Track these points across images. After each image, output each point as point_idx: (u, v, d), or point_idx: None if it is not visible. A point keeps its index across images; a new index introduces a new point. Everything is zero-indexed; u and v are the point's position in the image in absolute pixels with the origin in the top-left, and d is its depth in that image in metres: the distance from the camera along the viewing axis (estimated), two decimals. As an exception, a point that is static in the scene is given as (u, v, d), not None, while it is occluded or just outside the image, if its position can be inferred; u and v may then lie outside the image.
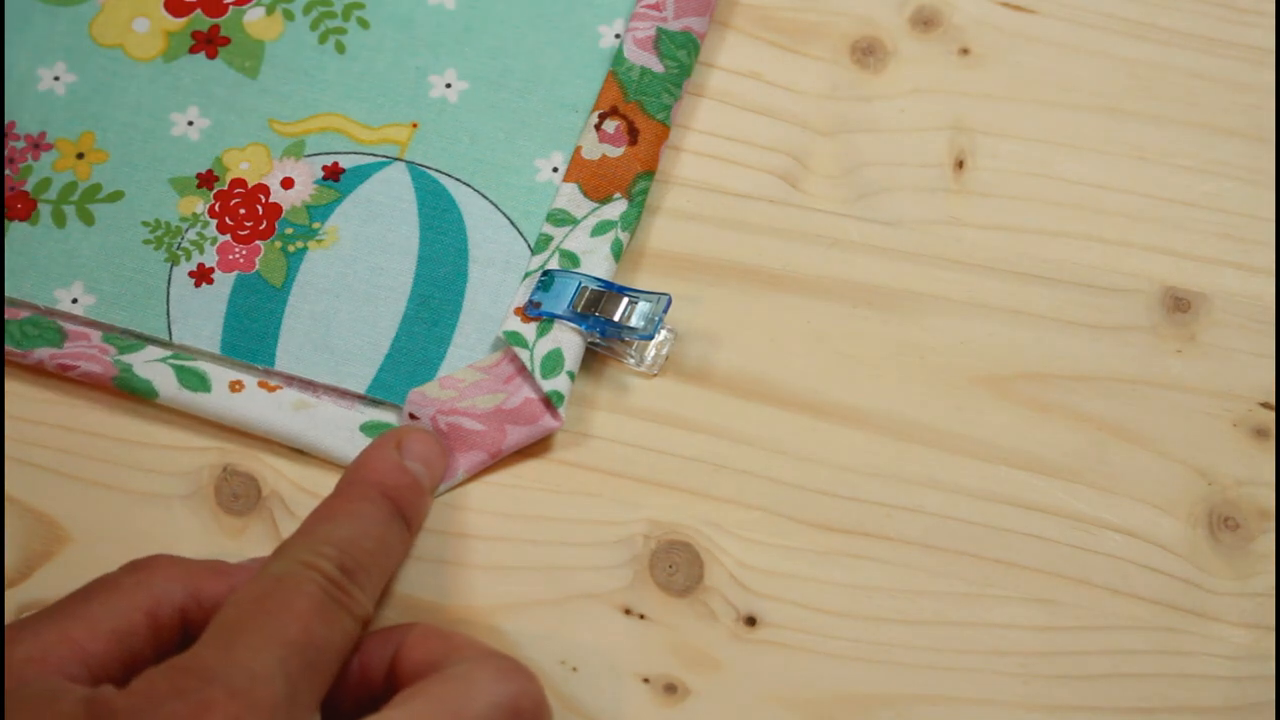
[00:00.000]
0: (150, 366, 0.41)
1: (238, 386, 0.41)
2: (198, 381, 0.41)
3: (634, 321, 0.41)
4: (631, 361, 0.42)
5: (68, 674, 0.33)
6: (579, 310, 0.41)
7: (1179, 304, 0.44)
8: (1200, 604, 0.40)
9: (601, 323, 0.41)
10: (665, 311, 0.41)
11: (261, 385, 0.41)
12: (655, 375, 0.42)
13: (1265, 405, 0.43)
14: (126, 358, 0.41)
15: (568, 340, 0.41)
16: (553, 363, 0.41)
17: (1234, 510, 0.41)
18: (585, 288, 0.42)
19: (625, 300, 0.41)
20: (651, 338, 0.41)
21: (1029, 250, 0.45)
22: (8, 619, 0.39)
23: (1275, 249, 0.45)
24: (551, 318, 0.42)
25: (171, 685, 0.31)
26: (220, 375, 0.41)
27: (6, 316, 0.42)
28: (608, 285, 0.42)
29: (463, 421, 0.40)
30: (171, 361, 0.41)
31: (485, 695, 0.33)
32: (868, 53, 0.48)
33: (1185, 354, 0.43)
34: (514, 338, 0.41)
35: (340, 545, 0.35)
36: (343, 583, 0.34)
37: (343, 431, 0.41)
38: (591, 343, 0.42)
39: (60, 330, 0.42)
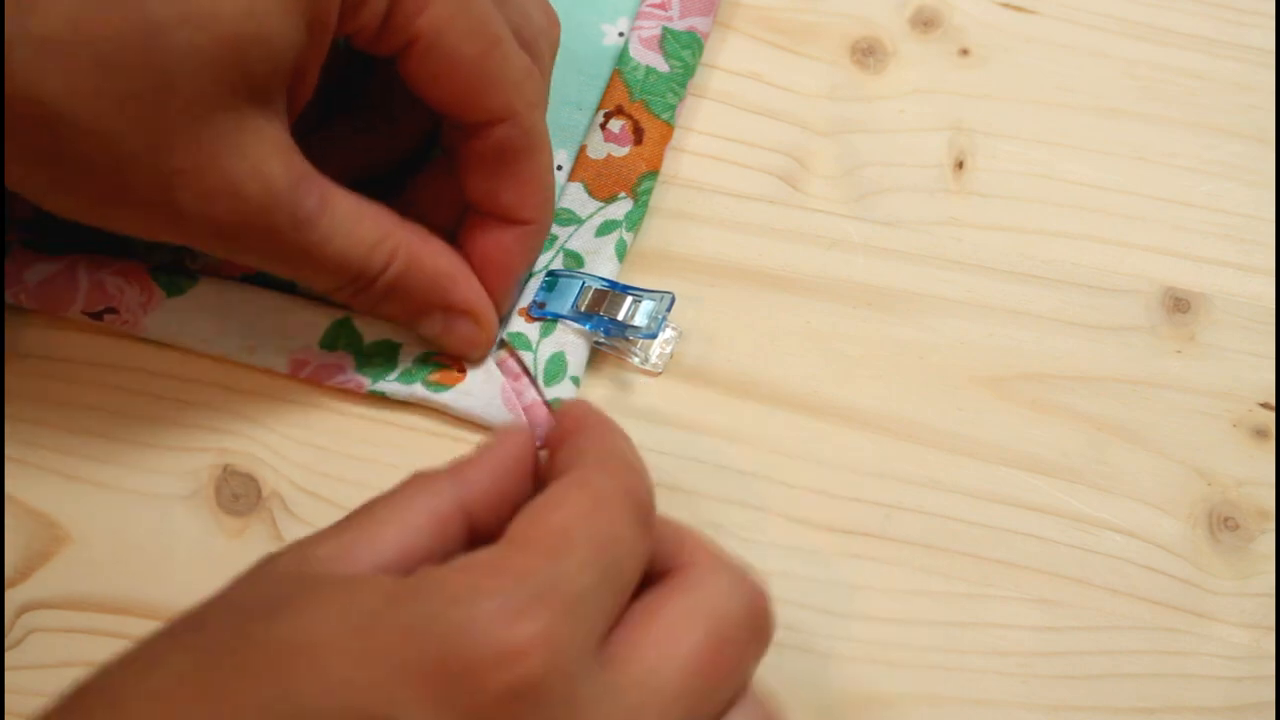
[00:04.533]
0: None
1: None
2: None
3: (638, 320, 0.41)
4: (636, 360, 0.42)
5: (372, 566, 0.31)
6: (583, 310, 0.41)
7: (1179, 304, 0.44)
8: (1200, 604, 0.40)
9: (606, 322, 0.41)
10: (669, 310, 0.41)
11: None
12: (660, 374, 0.42)
13: (1265, 405, 0.43)
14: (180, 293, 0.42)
15: (572, 343, 0.41)
16: (556, 367, 0.41)
17: (1234, 510, 0.41)
18: (589, 287, 0.42)
19: (629, 299, 0.41)
20: (655, 336, 0.41)
21: (1029, 251, 0.45)
22: (8, 619, 0.39)
23: (1275, 249, 0.45)
24: (555, 318, 0.42)
25: (495, 583, 0.29)
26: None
27: None
28: (611, 285, 0.42)
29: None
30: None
31: (733, 605, 0.32)
32: (868, 53, 0.48)
33: (1185, 354, 0.43)
34: (517, 339, 0.41)
35: (642, 469, 0.33)
36: (649, 511, 0.32)
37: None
38: (596, 342, 0.42)
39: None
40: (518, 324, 0.42)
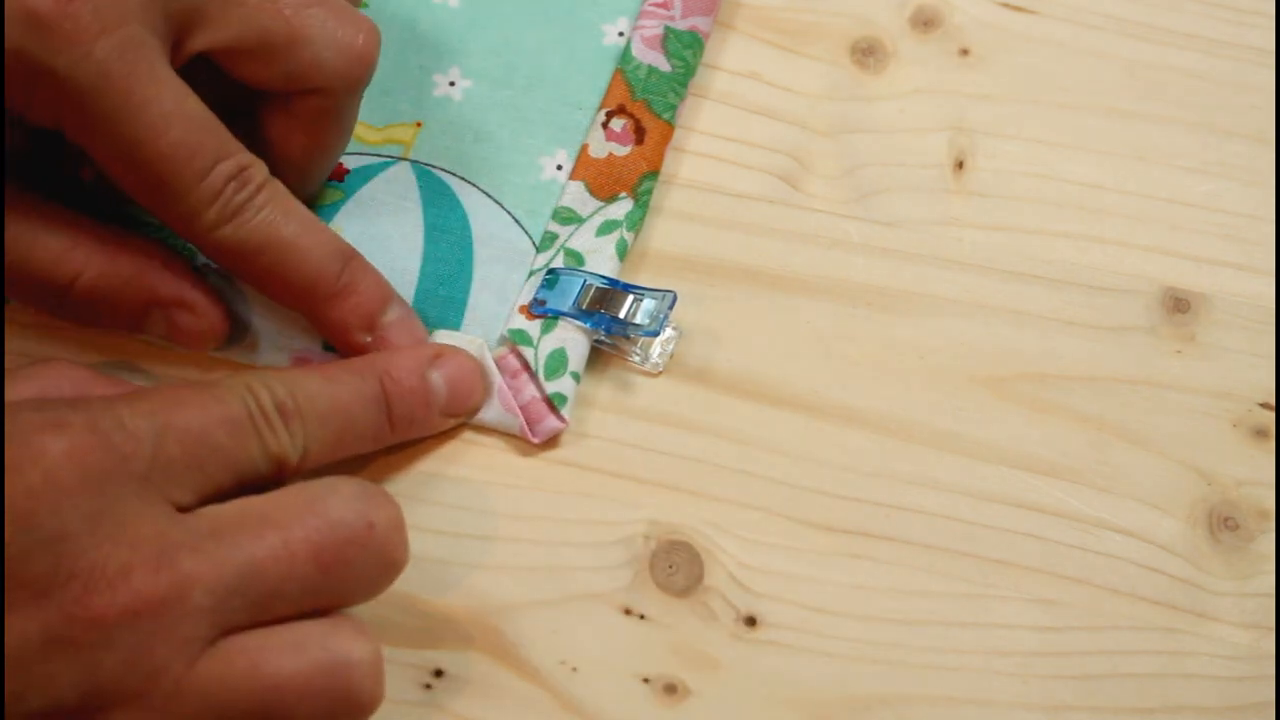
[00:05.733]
0: None
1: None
2: None
3: (639, 319, 0.41)
4: (636, 359, 0.42)
5: None
6: (584, 308, 0.41)
7: (1179, 304, 0.44)
8: (1200, 604, 0.40)
9: (606, 320, 0.41)
10: (670, 308, 0.41)
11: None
12: (660, 373, 0.42)
13: (1265, 405, 0.43)
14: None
15: (573, 340, 0.41)
16: (557, 363, 0.41)
17: (1234, 510, 0.41)
18: (590, 285, 0.42)
19: (631, 298, 0.41)
20: (657, 334, 0.41)
21: (1029, 250, 0.45)
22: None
23: (1275, 249, 0.45)
24: (557, 315, 0.42)
25: (42, 411, 0.32)
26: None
27: None
28: (613, 283, 0.42)
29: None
30: None
31: (346, 499, 0.34)
32: (868, 53, 0.48)
33: (1185, 354, 0.43)
34: (518, 335, 0.41)
35: (294, 390, 0.35)
36: (270, 415, 0.35)
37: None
38: (597, 340, 0.42)
39: None
40: (518, 321, 0.42)
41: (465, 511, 0.40)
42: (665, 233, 0.45)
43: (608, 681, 0.38)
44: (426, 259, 0.43)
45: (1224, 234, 0.45)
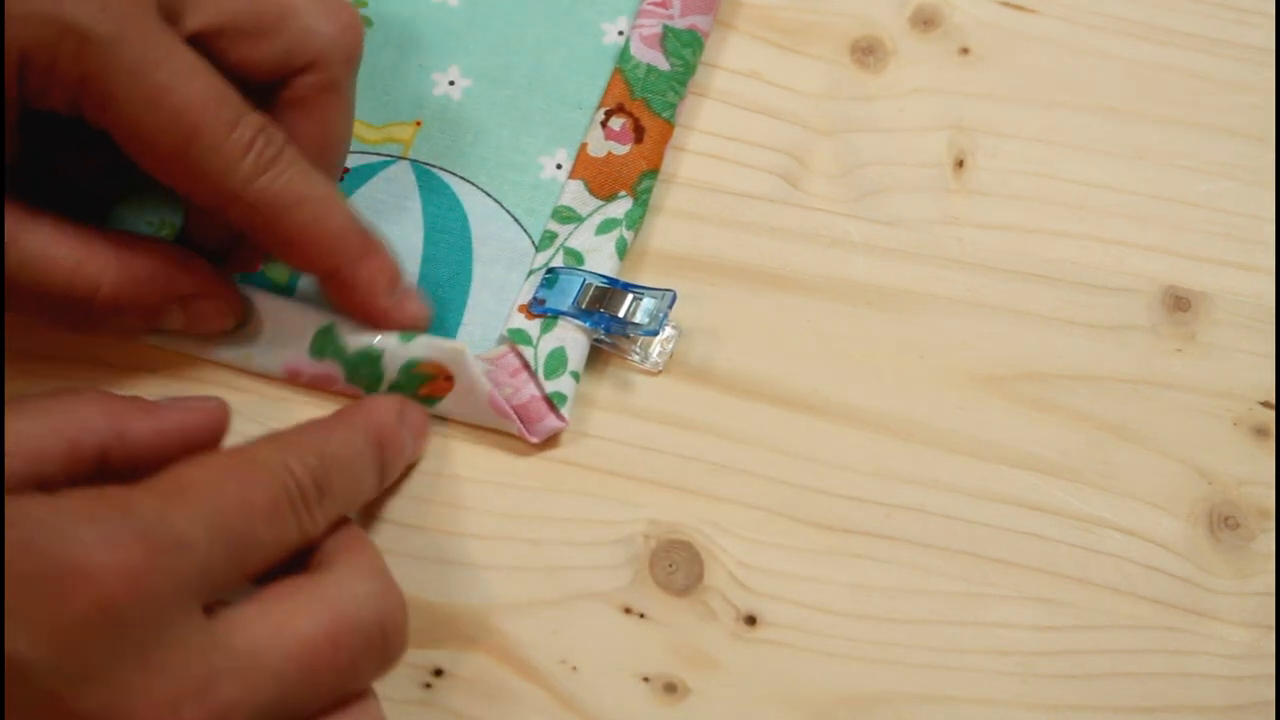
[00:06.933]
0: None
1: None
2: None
3: (639, 317, 0.41)
4: (636, 358, 0.42)
5: None
6: (583, 307, 0.41)
7: (1179, 303, 0.44)
8: (1200, 603, 0.40)
9: (606, 319, 0.41)
10: (670, 307, 0.41)
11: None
12: (660, 372, 0.42)
13: (1265, 404, 0.43)
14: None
15: (572, 339, 0.41)
16: (556, 362, 0.41)
17: (1234, 509, 0.41)
18: (590, 284, 0.42)
19: (630, 297, 0.41)
20: (657, 333, 0.41)
21: (1029, 250, 0.45)
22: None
23: (1275, 248, 0.45)
24: (556, 314, 0.42)
25: (90, 509, 0.30)
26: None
27: None
28: (612, 282, 0.42)
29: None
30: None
31: (364, 613, 0.33)
32: (868, 52, 0.48)
33: (1185, 353, 0.43)
34: (518, 335, 0.41)
35: (326, 463, 0.35)
36: (309, 496, 0.34)
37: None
38: (596, 339, 0.42)
39: None
40: (517, 320, 0.42)
41: (465, 511, 0.40)
42: (665, 231, 0.45)
43: (608, 681, 0.38)
44: (426, 259, 0.43)
45: (1224, 233, 0.45)
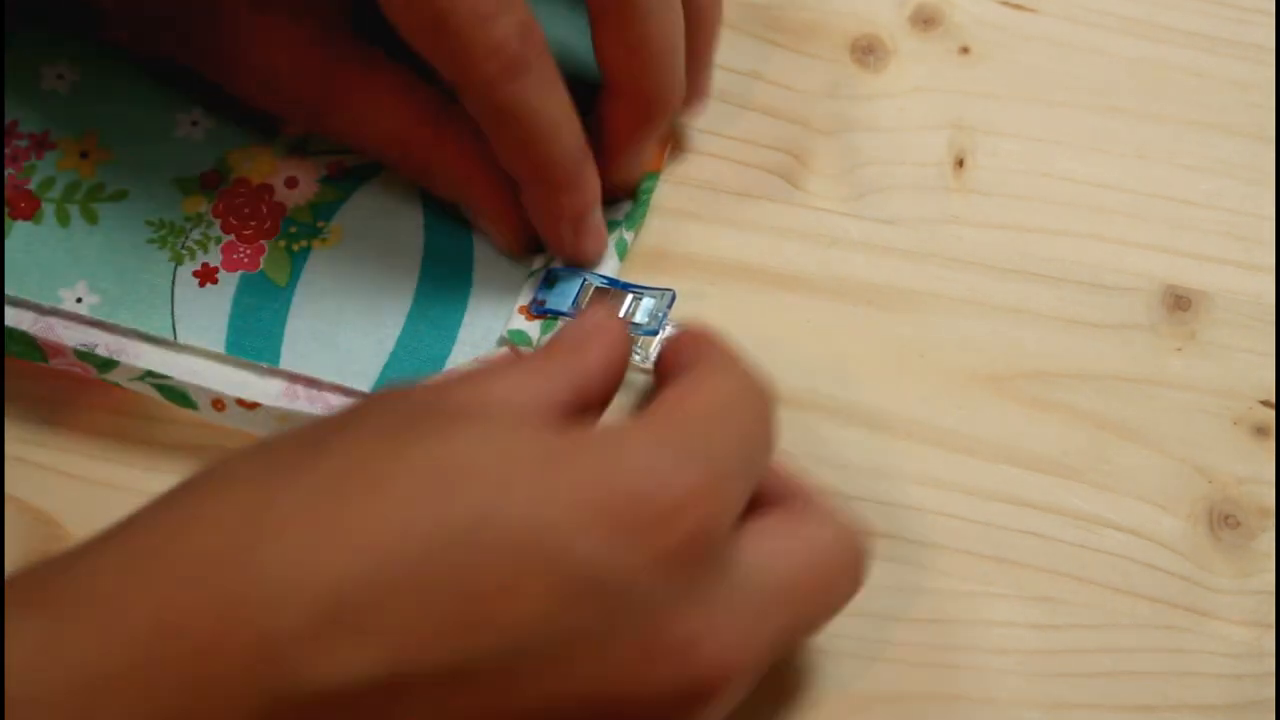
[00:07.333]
0: (132, 385, 0.41)
1: (219, 405, 0.41)
2: (182, 400, 0.41)
3: (639, 317, 0.41)
4: (637, 358, 0.42)
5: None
6: (583, 307, 0.41)
7: (1179, 302, 0.44)
8: (1201, 602, 0.40)
9: None
10: (670, 307, 0.41)
11: (240, 403, 0.41)
12: None
13: (1265, 403, 0.43)
14: (107, 377, 0.41)
15: None
16: None
17: (1234, 508, 0.41)
18: (589, 284, 0.42)
19: (630, 296, 0.42)
20: (656, 333, 0.41)
21: (1029, 249, 0.45)
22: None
23: (1276, 247, 0.45)
24: (556, 315, 0.42)
25: (670, 437, 0.30)
26: (203, 396, 0.41)
27: (8, 323, 0.41)
28: (612, 282, 0.42)
29: None
30: (150, 381, 0.41)
31: (836, 547, 0.34)
32: (868, 51, 0.48)
33: (1185, 352, 0.43)
34: (518, 336, 0.41)
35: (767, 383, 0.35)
36: (774, 413, 0.34)
37: None
38: None
39: (41, 349, 0.41)
40: (518, 321, 0.42)
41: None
42: (665, 231, 0.45)
43: (607, 680, 0.38)
44: (426, 260, 0.43)
45: (1225, 232, 0.45)
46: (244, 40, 0.41)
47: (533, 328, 0.42)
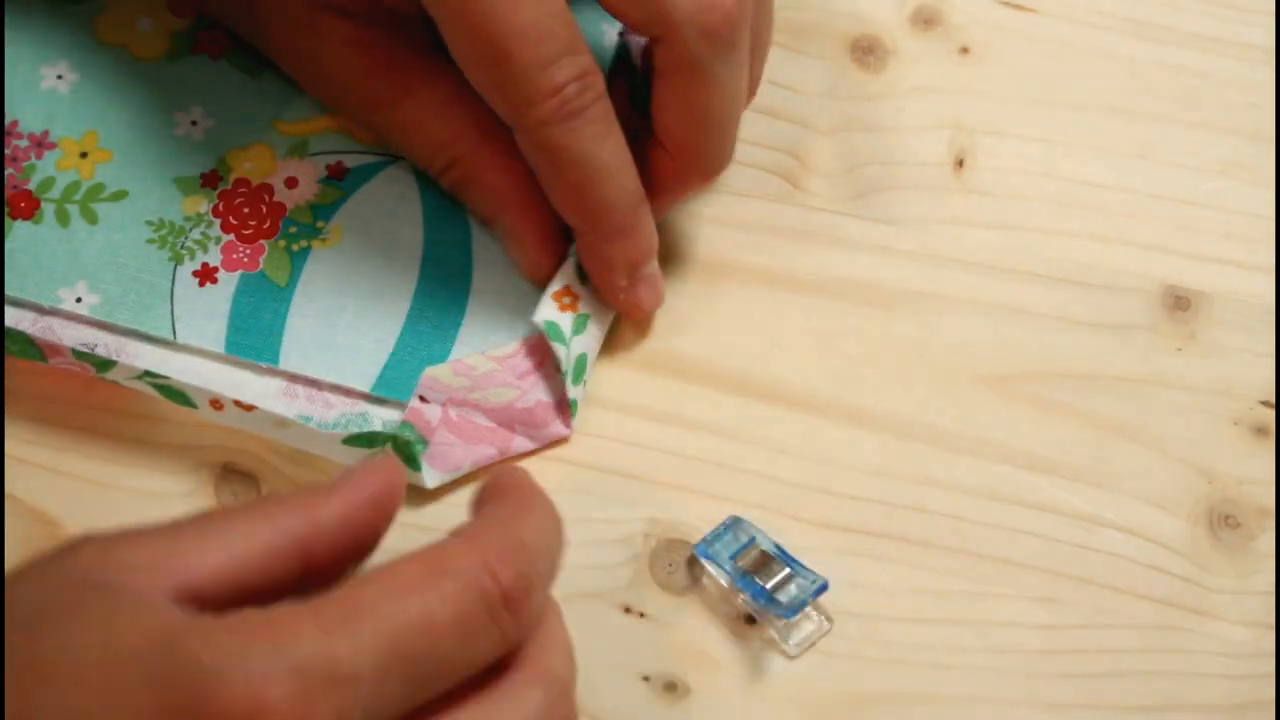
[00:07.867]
0: (131, 384, 0.41)
1: (217, 405, 0.41)
2: (182, 399, 0.41)
3: (781, 596, 0.38)
4: (774, 635, 0.39)
5: (177, 589, 0.29)
6: (740, 564, 0.39)
7: (1179, 302, 0.44)
8: (1201, 602, 0.40)
9: (756, 587, 0.38)
10: (814, 596, 0.38)
11: (238, 404, 0.41)
12: (796, 657, 0.39)
13: (1265, 404, 0.43)
14: (105, 376, 0.41)
15: (593, 348, 0.41)
16: (580, 368, 0.41)
17: (1234, 508, 0.41)
18: (757, 545, 0.39)
19: (786, 571, 0.38)
20: (789, 616, 0.38)
21: (1029, 249, 0.45)
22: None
23: (1275, 247, 0.45)
24: (706, 559, 0.39)
25: (245, 642, 0.27)
26: (201, 396, 0.41)
27: (8, 323, 0.41)
28: (781, 552, 0.39)
29: (473, 415, 0.40)
30: (148, 380, 0.41)
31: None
32: (868, 52, 0.48)
33: (1186, 352, 0.43)
34: (553, 329, 0.41)
35: (531, 556, 0.31)
36: (514, 603, 0.30)
37: (320, 446, 0.41)
38: (743, 600, 0.39)
39: (40, 349, 0.41)
40: (549, 310, 0.41)
41: (464, 509, 0.40)
42: (664, 231, 0.45)
43: (607, 680, 0.38)
44: (426, 258, 0.43)
45: (1224, 232, 0.45)
46: (303, 32, 0.43)
47: (565, 320, 0.41)
